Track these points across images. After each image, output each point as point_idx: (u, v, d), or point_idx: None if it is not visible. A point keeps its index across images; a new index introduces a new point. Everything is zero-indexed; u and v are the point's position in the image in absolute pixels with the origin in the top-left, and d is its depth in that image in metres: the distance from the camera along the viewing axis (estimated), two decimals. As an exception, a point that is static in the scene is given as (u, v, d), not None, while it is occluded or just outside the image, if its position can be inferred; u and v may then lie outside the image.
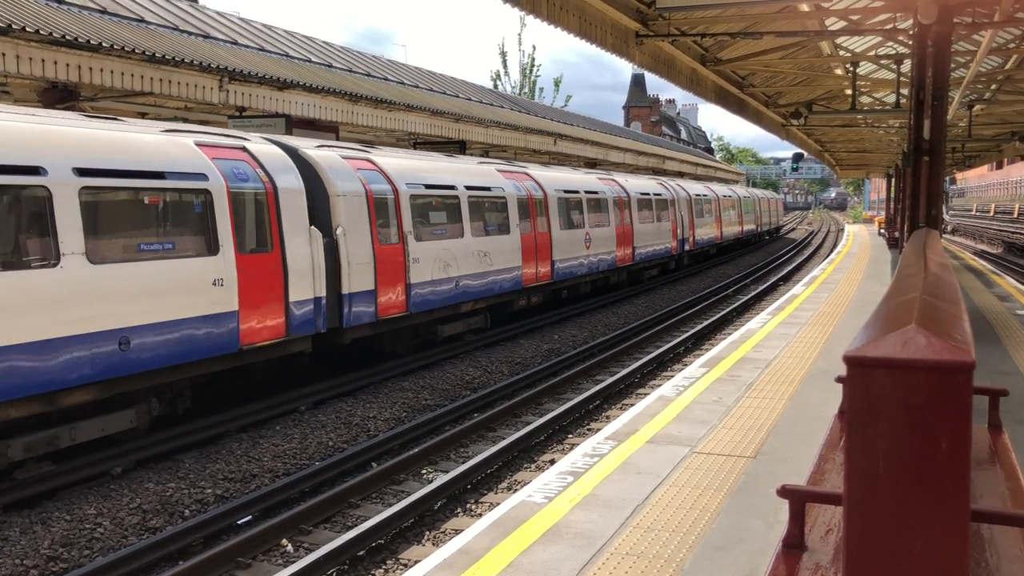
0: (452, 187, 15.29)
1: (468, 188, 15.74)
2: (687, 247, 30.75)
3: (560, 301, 20.19)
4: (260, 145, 11.31)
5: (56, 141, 8.41)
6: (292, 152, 11.86)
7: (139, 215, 9.43)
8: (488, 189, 16.60)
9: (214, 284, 9.75)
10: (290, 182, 11.22)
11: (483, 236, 16.00)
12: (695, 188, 33.98)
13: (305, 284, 11.16)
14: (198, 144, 10.17)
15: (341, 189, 12.14)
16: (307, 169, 11.88)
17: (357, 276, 12.20)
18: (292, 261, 10.94)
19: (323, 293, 11.49)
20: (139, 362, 8.82)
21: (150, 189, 9.31)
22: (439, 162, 16.28)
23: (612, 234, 22.85)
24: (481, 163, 18.12)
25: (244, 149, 10.88)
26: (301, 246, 11.12)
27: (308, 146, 12.54)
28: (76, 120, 9.29)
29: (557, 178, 20.65)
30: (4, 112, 8.48)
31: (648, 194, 26.76)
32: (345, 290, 11.96)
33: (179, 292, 9.30)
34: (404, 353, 14.08)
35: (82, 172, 8.42)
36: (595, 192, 22.31)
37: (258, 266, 10.46)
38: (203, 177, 9.83)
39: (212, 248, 9.82)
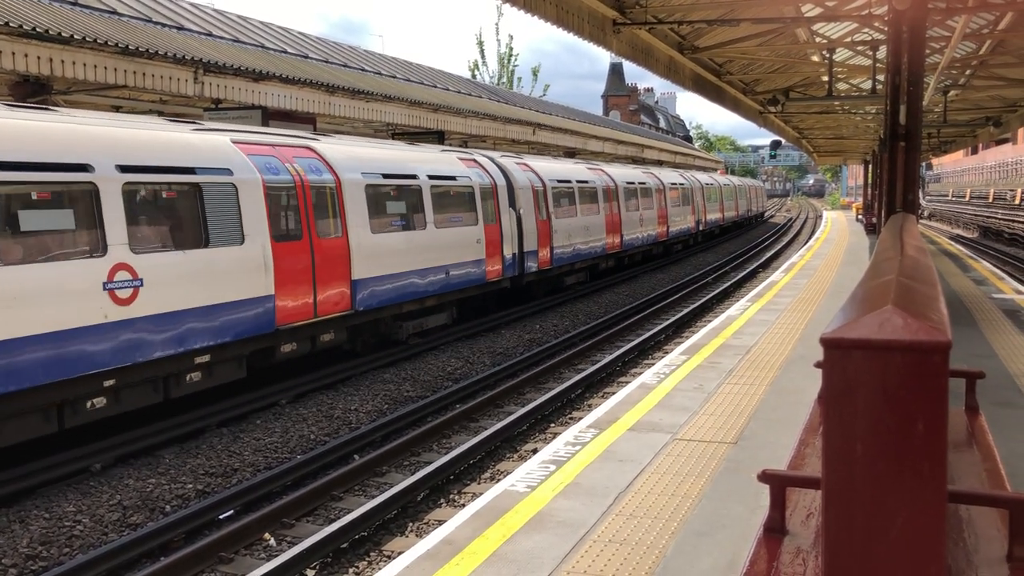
0: (569, 181, 21.66)
1: (578, 181, 22.22)
2: (701, 227, 37.18)
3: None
4: (480, 156, 17.96)
5: (417, 158, 15.23)
6: (492, 160, 18.29)
7: (448, 200, 15.55)
8: (587, 182, 22.85)
9: (476, 242, 16.16)
10: (501, 180, 17.73)
11: (586, 216, 22.22)
12: (704, 178, 40.20)
13: (509, 244, 17.64)
14: (459, 158, 16.82)
15: (521, 184, 18.53)
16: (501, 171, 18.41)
17: (529, 240, 18.52)
18: (504, 230, 17.41)
19: (516, 250, 18.00)
20: (452, 285, 15.24)
21: (452, 186, 15.73)
22: (558, 163, 23.01)
23: (655, 215, 28.92)
24: (576, 163, 24.55)
25: (475, 160, 17.37)
26: (507, 220, 17.63)
27: (497, 156, 19.05)
28: (411, 147, 16.53)
29: (621, 173, 26.84)
30: (392, 144, 16.56)
31: (676, 184, 32.50)
32: (525, 249, 18.36)
33: (465, 246, 15.68)
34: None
35: (431, 176, 14.89)
36: (644, 183, 28.10)
37: (491, 232, 16.87)
38: (469, 178, 16.36)
39: (475, 221, 16.23)
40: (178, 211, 9.86)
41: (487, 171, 17.33)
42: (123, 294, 8.76)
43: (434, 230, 14.67)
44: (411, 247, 13.88)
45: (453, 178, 15.79)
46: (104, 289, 8.55)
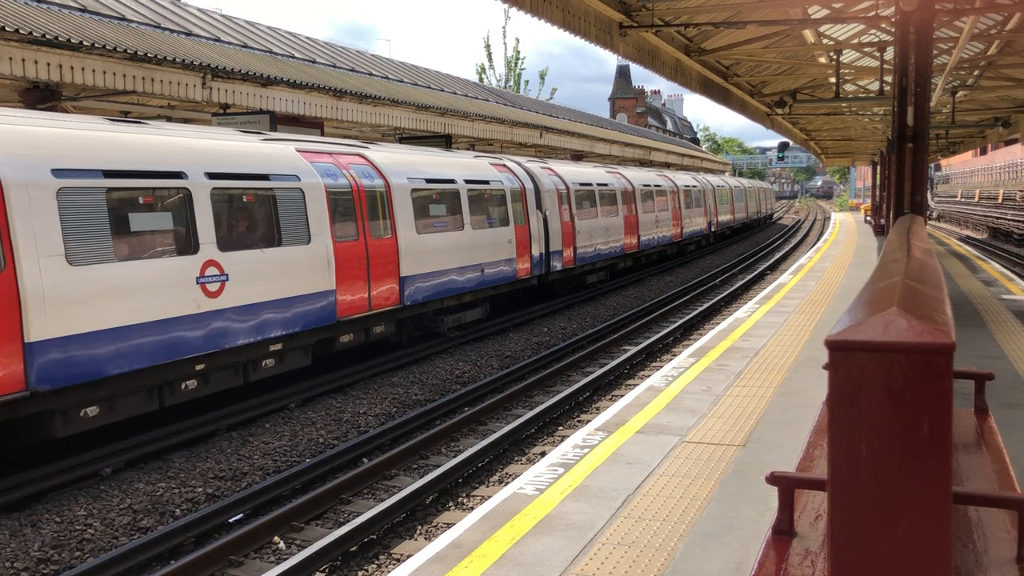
0: (590, 184, 22.49)
1: (598, 184, 23.20)
2: (713, 228, 38.20)
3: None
4: (509, 161, 19.12)
5: (454, 163, 16.26)
6: (520, 164, 19.44)
7: (483, 203, 16.66)
8: (607, 185, 23.81)
9: (508, 242, 17.23)
10: (529, 183, 18.89)
11: (606, 217, 23.21)
12: (716, 180, 41.21)
13: (537, 244, 18.74)
14: (490, 163, 17.94)
15: (547, 187, 19.59)
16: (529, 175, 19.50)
17: (554, 241, 19.58)
18: (533, 230, 18.50)
19: (543, 250, 19.03)
20: (487, 282, 16.37)
21: (486, 189, 16.83)
22: (579, 167, 23.99)
23: (670, 217, 29.81)
24: (595, 167, 25.49)
25: (505, 165, 18.49)
26: (535, 221, 18.68)
27: (524, 161, 20.29)
28: (448, 153, 17.38)
29: (638, 175, 27.73)
30: (431, 151, 16.89)
31: (689, 186, 33.48)
32: (550, 249, 19.40)
33: (498, 245, 16.78)
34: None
35: (467, 180, 16.04)
36: (659, 185, 29.07)
37: (521, 232, 17.95)
38: (500, 182, 17.42)
39: (506, 222, 17.29)
40: (255, 213, 10.98)
41: (516, 175, 18.39)
42: (212, 287, 9.89)
43: (471, 231, 15.82)
44: (451, 246, 15.03)
45: (487, 182, 16.90)
46: (197, 283, 9.68)
